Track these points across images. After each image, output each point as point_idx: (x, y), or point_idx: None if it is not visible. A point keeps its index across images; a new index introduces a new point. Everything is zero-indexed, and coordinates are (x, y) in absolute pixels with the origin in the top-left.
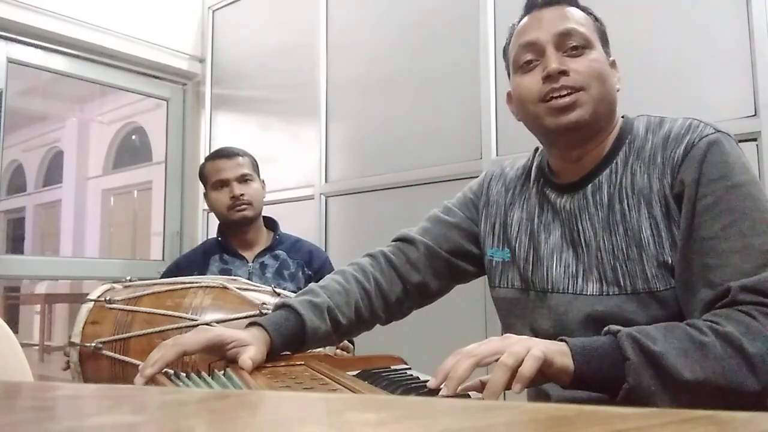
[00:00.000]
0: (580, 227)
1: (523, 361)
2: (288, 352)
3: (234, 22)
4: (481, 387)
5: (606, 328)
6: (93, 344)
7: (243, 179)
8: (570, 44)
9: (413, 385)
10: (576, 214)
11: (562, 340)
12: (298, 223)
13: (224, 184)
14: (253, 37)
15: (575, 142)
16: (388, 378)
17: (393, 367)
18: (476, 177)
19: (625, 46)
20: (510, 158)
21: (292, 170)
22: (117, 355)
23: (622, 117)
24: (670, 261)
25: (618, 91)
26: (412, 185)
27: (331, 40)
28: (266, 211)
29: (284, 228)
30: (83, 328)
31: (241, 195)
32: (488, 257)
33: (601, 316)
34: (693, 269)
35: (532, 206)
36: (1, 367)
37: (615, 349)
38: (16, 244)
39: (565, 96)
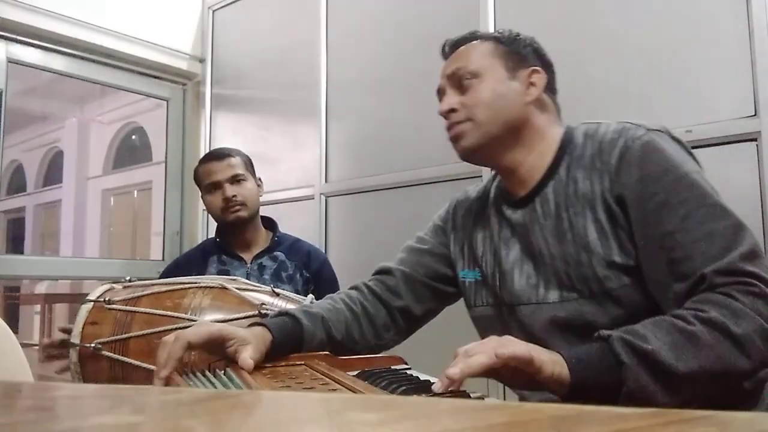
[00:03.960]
0: (532, 239)
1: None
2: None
3: (234, 22)
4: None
5: (596, 334)
6: (92, 345)
7: (235, 180)
8: (460, 83)
9: (413, 385)
10: (528, 226)
11: (558, 353)
12: (297, 224)
13: (216, 186)
14: (253, 37)
15: (483, 163)
16: (388, 378)
17: (393, 367)
18: (476, 177)
19: (625, 46)
20: None
21: (292, 170)
22: (116, 356)
23: (565, 128)
24: (618, 260)
25: (530, 101)
26: (412, 185)
27: (331, 40)
28: (266, 211)
29: (284, 228)
30: (83, 329)
31: (233, 196)
32: (461, 279)
33: (563, 322)
34: (660, 267)
35: (493, 225)
36: (1, 367)
37: (608, 354)
38: (16, 244)
39: (453, 128)
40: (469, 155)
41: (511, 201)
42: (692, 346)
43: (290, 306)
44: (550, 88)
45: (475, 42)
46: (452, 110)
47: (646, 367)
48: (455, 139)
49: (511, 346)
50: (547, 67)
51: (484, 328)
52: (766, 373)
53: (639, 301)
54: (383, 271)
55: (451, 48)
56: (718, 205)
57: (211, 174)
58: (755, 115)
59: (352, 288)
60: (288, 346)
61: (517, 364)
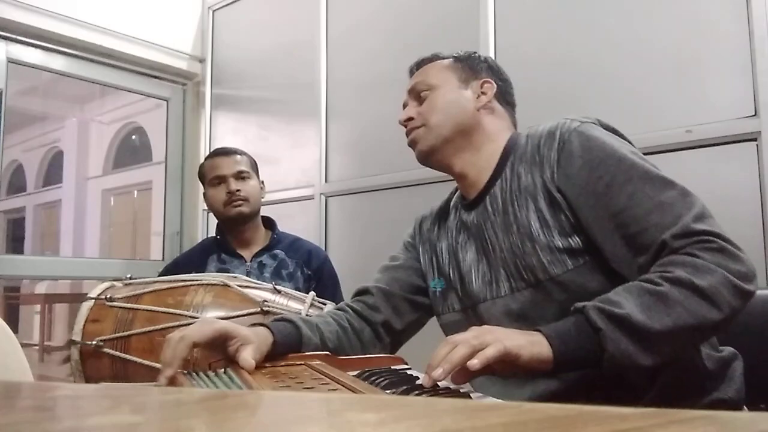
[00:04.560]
0: (486, 236)
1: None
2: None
3: (234, 22)
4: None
5: (572, 307)
6: (94, 342)
7: (240, 176)
8: (419, 95)
9: (413, 385)
10: (481, 225)
11: (536, 330)
12: (298, 223)
13: (221, 180)
14: (253, 37)
15: (438, 166)
16: (388, 378)
17: (393, 367)
18: None
19: (625, 46)
20: None
21: (292, 170)
22: (118, 353)
23: (511, 133)
24: (560, 245)
25: (480, 106)
26: (412, 185)
27: (331, 39)
28: (266, 211)
29: (284, 228)
30: (84, 327)
31: (237, 191)
32: (431, 290)
33: (516, 313)
34: (619, 245)
35: (453, 231)
36: (1, 367)
37: (584, 323)
38: (16, 244)
39: (409, 134)
40: (424, 158)
41: (465, 205)
42: (663, 305)
43: (292, 303)
44: (506, 100)
45: (435, 61)
46: (409, 119)
47: (622, 331)
48: (412, 144)
49: (491, 335)
50: (503, 81)
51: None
52: (731, 354)
53: (585, 285)
54: (362, 292)
55: (416, 67)
56: (661, 177)
57: (217, 168)
58: (755, 115)
59: (337, 309)
60: (288, 348)
61: (494, 361)
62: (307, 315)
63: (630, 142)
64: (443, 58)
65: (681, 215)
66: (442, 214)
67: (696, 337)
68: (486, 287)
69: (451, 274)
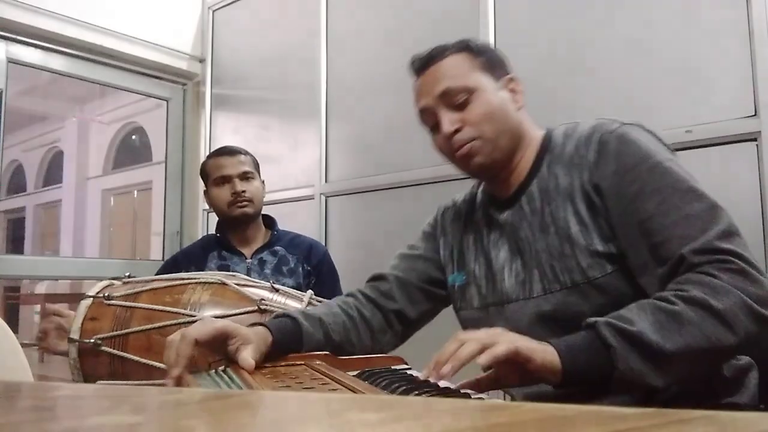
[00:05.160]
0: (521, 235)
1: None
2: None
3: (234, 22)
4: (476, 384)
5: (583, 322)
6: (92, 340)
7: (244, 176)
8: (455, 101)
9: (413, 385)
10: (516, 225)
11: (547, 342)
12: (298, 223)
13: (226, 180)
14: (253, 37)
15: (492, 177)
16: (388, 378)
17: (393, 367)
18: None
19: (625, 46)
20: None
21: (292, 170)
22: (116, 351)
23: (546, 129)
24: (600, 249)
25: (519, 108)
26: (412, 185)
27: (331, 40)
28: (266, 211)
29: (284, 228)
30: (82, 325)
31: (243, 191)
32: (450, 284)
33: (549, 315)
34: (642, 253)
35: (481, 228)
36: (1, 367)
37: (596, 339)
38: (16, 244)
39: (462, 147)
40: (483, 171)
41: (497, 203)
42: (677, 325)
43: (290, 301)
44: None
45: (449, 56)
46: (457, 130)
47: (633, 349)
48: (468, 158)
49: (499, 343)
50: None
51: (472, 330)
52: (749, 363)
53: (622, 290)
54: (377, 278)
55: (423, 64)
56: (693, 189)
57: (222, 168)
58: (755, 115)
59: (347, 295)
60: (288, 346)
61: (505, 358)
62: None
63: (667, 146)
64: (456, 51)
65: (706, 230)
66: (466, 209)
67: (709, 359)
68: (519, 287)
69: (477, 271)
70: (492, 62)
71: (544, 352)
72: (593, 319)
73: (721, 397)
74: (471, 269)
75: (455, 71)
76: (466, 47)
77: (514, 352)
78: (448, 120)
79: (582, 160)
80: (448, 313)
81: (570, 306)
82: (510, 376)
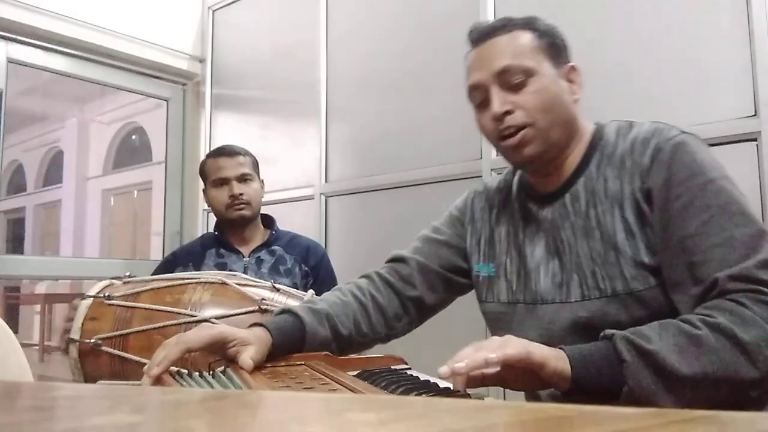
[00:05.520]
0: (563, 236)
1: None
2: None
3: (234, 22)
4: (481, 378)
5: (601, 333)
6: (92, 340)
7: (243, 179)
8: (511, 81)
9: (413, 385)
10: (558, 223)
11: (560, 348)
12: (298, 223)
13: (224, 182)
14: (253, 37)
15: (538, 169)
16: (388, 378)
17: (393, 367)
18: (476, 177)
19: (626, 46)
20: None
21: (292, 170)
22: (116, 351)
23: (595, 124)
24: (646, 261)
25: (576, 100)
26: (412, 185)
27: (331, 39)
28: (266, 211)
29: (284, 228)
30: (82, 325)
31: (240, 194)
32: (474, 273)
33: (585, 322)
34: (679, 269)
35: (517, 221)
36: (1, 367)
37: (611, 352)
38: (16, 244)
39: (513, 134)
40: (530, 163)
41: (537, 197)
42: (697, 350)
43: (290, 301)
44: None
45: (513, 32)
46: (508, 112)
47: (647, 367)
48: (518, 147)
49: (511, 346)
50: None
51: (494, 324)
52: None
53: (663, 304)
54: (397, 259)
55: (483, 35)
56: (742, 212)
57: (220, 169)
58: (755, 115)
59: (362, 277)
60: (289, 346)
61: (517, 362)
62: None
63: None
64: (521, 28)
65: (746, 257)
66: (500, 198)
67: (725, 390)
68: (555, 289)
69: (508, 265)
70: (556, 47)
71: (556, 359)
72: (611, 331)
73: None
74: (501, 262)
75: (517, 49)
76: (532, 26)
77: (527, 357)
78: (500, 100)
79: (635, 166)
80: (448, 314)
81: (608, 315)
82: (520, 379)
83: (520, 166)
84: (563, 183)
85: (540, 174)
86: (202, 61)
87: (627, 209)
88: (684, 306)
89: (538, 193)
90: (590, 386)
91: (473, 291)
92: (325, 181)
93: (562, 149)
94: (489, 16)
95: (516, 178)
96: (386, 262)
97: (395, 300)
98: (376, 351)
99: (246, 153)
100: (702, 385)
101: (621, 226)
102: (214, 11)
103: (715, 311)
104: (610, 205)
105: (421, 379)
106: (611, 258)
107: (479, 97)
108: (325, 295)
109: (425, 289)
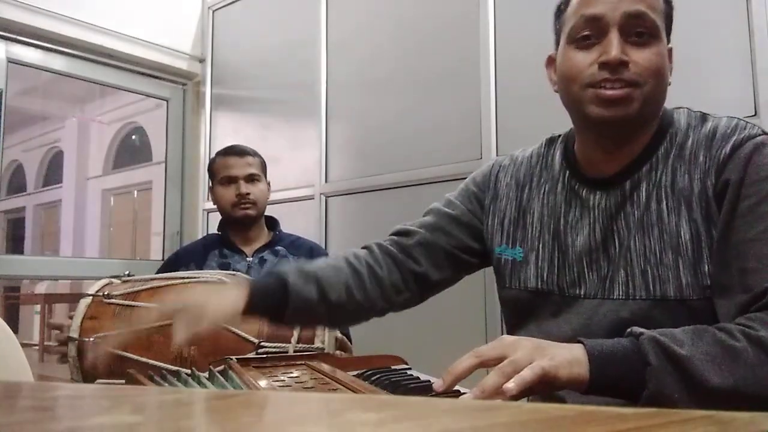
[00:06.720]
0: (615, 227)
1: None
2: (271, 318)
3: (234, 22)
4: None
5: (628, 330)
6: (91, 339)
7: (251, 179)
8: (636, 30)
9: (413, 385)
10: (612, 212)
11: (579, 341)
12: (298, 223)
13: (232, 180)
14: (253, 37)
15: (616, 136)
16: (388, 378)
17: (393, 367)
18: None
19: None
20: None
21: (292, 170)
22: (115, 350)
23: (664, 108)
24: (707, 269)
25: (669, 84)
26: (412, 185)
27: (331, 39)
28: (266, 211)
29: (284, 228)
30: (81, 323)
31: (247, 194)
32: (496, 255)
33: (626, 323)
34: (730, 273)
35: (558, 203)
36: (1, 367)
37: (636, 353)
38: (16, 244)
39: (618, 89)
40: (623, 124)
41: (588, 179)
42: (731, 362)
43: None
44: None
45: None
46: (625, 63)
47: (673, 373)
48: (620, 101)
49: (524, 353)
50: None
51: (514, 313)
52: None
53: (714, 317)
54: (402, 233)
55: None
56: None
57: (229, 168)
58: (755, 115)
59: (363, 247)
60: (269, 303)
61: (531, 384)
62: None
63: None
64: None
65: None
66: (535, 173)
67: (752, 408)
68: (598, 283)
69: (541, 251)
70: (671, 22)
71: (570, 364)
72: (639, 330)
73: None
74: (533, 246)
75: (656, 3)
76: None
77: (543, 376)
78: (618, 46)
79: (710, 162)
80: (448, 314)
81: (651, 320)
82: (541, 392)
83: (601, 124)
84: (623, 168)
85: (611, 145)
86: (202, 61)
87: (695, 209)
88: (725, 312)
89: (589, 175)
90: (609, 387)
91: (472, 290)
92: (325, 181)
93: (647, 126)
94: (489, 17)
95: (558, 155)
96: (390, 235)
97: (396, 272)
98: (376, 351)
99: (255, 154)
100: (730, 399)
101: (687, 227)
102: (214, 11)
103: (757, 324)
104: (676, 201)
105: (422, 379)
106: (668, 259)
107: (589, 31)
108: (317, 261)
109: (430, 265)
